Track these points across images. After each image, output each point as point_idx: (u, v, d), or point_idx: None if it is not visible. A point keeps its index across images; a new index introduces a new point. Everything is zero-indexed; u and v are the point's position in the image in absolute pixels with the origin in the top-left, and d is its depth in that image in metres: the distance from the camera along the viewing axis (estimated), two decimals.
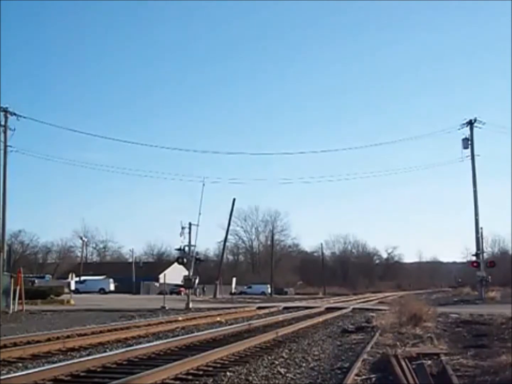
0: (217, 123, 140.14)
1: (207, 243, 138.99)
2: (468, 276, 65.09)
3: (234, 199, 62.39)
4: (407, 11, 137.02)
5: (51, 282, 61.85)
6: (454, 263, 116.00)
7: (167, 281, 51.43)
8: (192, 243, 33.12)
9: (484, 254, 43.32)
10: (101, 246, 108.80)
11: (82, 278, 71.67)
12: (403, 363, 8.39)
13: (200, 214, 33.58)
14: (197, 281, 34.62)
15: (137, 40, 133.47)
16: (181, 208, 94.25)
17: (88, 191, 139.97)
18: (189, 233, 33.35)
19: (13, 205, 70.43)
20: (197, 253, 36.77)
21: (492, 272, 42.75)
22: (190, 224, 33.37)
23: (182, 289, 58.85)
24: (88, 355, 10.29)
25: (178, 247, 34.92)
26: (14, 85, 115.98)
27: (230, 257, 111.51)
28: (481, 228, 41.13)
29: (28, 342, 11.97)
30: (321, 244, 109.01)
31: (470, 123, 41.68)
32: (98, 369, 8.55)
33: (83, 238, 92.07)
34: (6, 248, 34.79)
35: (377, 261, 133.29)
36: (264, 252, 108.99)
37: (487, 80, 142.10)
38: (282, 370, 8.54)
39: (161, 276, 61.31)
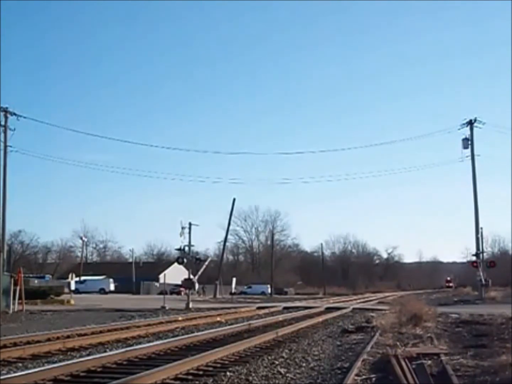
0: (217, 123, 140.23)
1: (207, 243, 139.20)
2: (467, 276, 65.12)
3: (234, 199, 62.48)
4: (408, 11, 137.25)
5: (51, 282, 61.83)
6: (454, 263, 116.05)
7: (167, 281, 51.39)
8: (201, 251, 33.93)
9: (484, 254, 43.36)
10: (101, 246, 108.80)
11: (82, 278, 71.58)
12: (403, 363, 8.39)
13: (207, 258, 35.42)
14: (196, 285, 35.01)
15: (136, 40, 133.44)
16: (181, 208, 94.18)
17: (88, 191, 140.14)
18: (189, 233, 33.45)
19: (13, 205, 70.71)
20: (196, 253, 36.95)
21: (492, 272, 42.76)
22: (190, 224, 33.44)
23: (182, 289, 58.95)
24: (88, 355, 10.30)
25: (178, 247, 35.04)
26: (14, 85, 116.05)
27: (230, 257, 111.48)
28: (481, 228, 41.25)
29: (28, 342, 11.97)
30: (321, 244, 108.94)
31: (470, 123, 41.70)
32: (98, 369, 8.55)
33: (83, 238, 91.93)
34: (6, 248, 34.78)
35: (377, 261, 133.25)
36: (264, 252, 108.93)
37: (487, 80, 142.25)
38: (282, 370, 8.54)
39: (161, 276, 61.25)
